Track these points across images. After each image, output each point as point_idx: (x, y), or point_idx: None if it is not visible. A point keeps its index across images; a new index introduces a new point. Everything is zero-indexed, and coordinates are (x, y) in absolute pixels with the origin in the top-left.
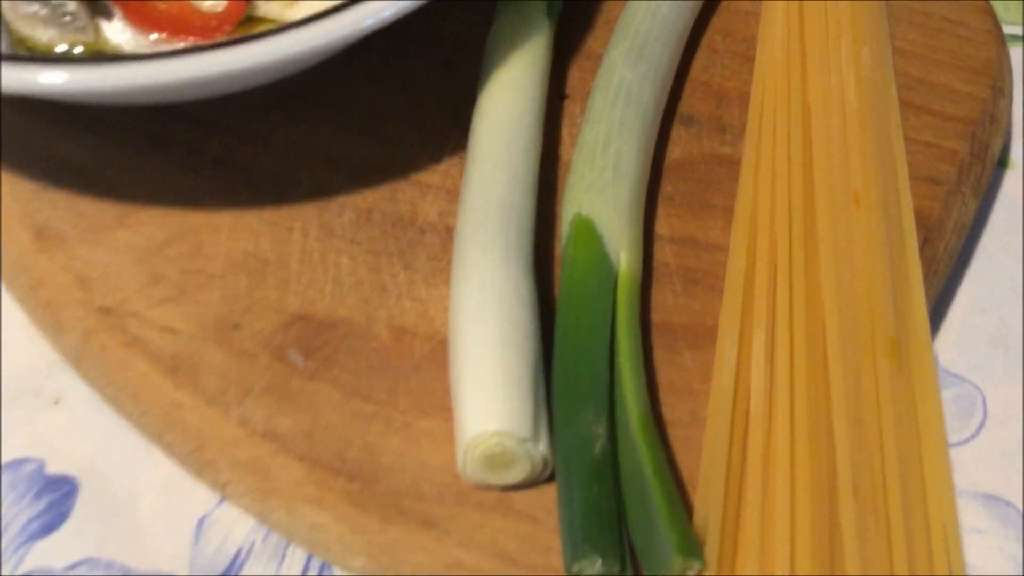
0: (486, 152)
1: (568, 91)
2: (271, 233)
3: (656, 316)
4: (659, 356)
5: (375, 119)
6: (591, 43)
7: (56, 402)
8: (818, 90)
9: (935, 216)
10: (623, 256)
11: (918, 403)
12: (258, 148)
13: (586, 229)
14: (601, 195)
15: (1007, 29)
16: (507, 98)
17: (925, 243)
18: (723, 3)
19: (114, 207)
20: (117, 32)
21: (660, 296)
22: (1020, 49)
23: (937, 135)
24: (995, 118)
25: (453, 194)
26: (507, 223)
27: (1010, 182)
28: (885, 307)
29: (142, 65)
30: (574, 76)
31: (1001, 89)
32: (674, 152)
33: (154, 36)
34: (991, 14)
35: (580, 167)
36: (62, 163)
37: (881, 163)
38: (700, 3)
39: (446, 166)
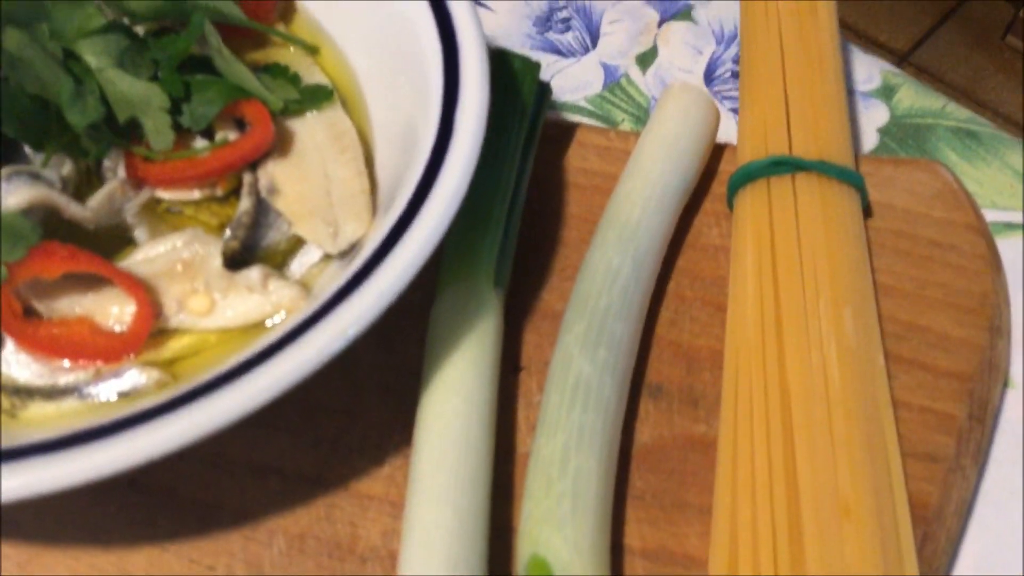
0: (433, 456)
1: (524, 362)
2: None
3: None
4: None
5: (308, 414)
6: (547, 299)
7: None
8: (798, 369)
9: (934, 504)
10: None
11: None
12: (175, 464)
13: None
14: (559, 531)
15: (1004, 216)
16: (454, 382)
17: (924, 540)
18: (688, 239)
19: (16, 551)
20: (11, 359)
21: None
22: (1019, 239)
23: (932, 396)
24: (994, 365)
25: (398, 507)
26: (458, 556)
27: (1011, 405)
28: None
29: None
30: (529, 342)
31: (999, 328)
32: (643, 434)
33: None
34: (983, 233)
35: (536, 492)
36: None
37: (872, 459)
38: (660, 262)
39: (389, 469)
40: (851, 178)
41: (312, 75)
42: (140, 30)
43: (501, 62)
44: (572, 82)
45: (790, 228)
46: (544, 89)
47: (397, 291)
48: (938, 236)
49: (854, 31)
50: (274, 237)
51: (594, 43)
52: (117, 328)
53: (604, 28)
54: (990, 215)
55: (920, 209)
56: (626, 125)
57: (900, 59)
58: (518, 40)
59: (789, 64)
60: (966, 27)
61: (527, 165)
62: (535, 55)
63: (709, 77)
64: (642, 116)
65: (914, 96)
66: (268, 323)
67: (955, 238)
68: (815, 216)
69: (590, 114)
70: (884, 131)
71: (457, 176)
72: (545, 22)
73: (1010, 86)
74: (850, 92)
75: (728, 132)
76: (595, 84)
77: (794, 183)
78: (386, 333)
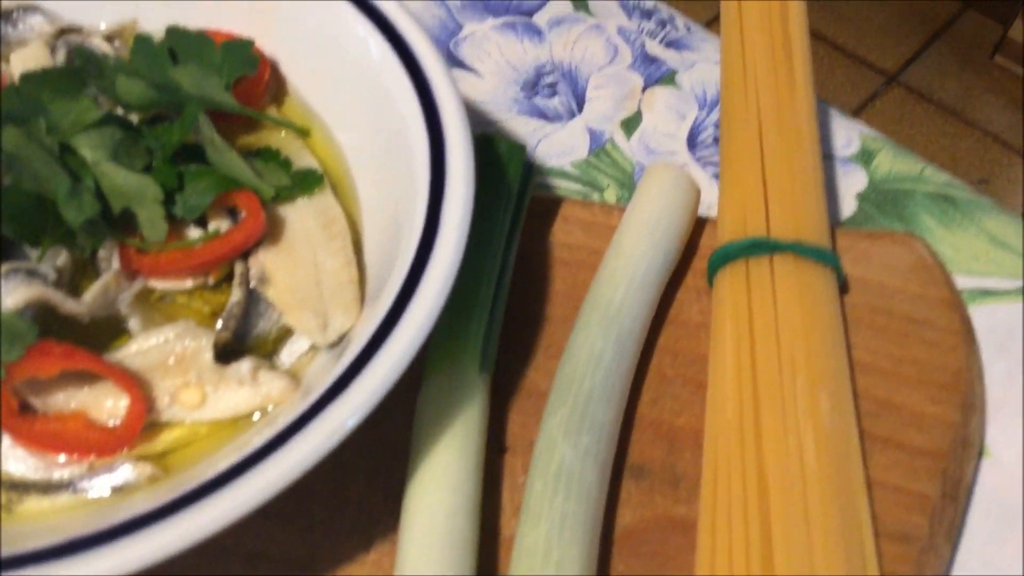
0: (419, 548)
1: (509, 442)
2: None
3: None
4: None
5: (299, 502)
6: (533, 377)
7: None
8: (774, 451)
9: None
10: None
11: None
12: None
13: None
14: None
15: (979, 283)
16: (440, 473)
17: None
18: (670, 315)
19: None
20: (8, 454)
21: None
22: (994, 306)
23: (906, 476)
24: (967, 441)
25: None
26: None
27: (987, 473)
28: None
29: None
30: (515, 422)
31: (972, 405)
32: (625, 516)
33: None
34: (957, 307)
35: None
36: None
37: (846, 542)
38: (643, 343)
39: (376, 555)
40: (827, 258)
41: (303, 159)
42: (135, 118)
43: (487, 146)
44: (558, 147)
45: (768, 309)
46: (529, 170)
47: (388, 387)
48: (913, 311)
49: (844, 51)
50: (264, 326)
51: (580, 108)
52: (111, 422)
53: (590, 93)
54: (966, 281)
55: (895, 284)
56: (611, 191)
57: (890, 78)
58: (505, 105)
59: (767, 139)
60: (956, 46)
61: (512, 246)
62: (522, 120)
63: (692, 142)
64: (626, 182)
65: (892, 160)
66: (255, 416)
67: (930, 313)
68: (792, 297)
69: (576, 179)
70: (863, 197)
71: (444, 271)
72: (532, 87)
73: (999, 105)
74: (829, 157)
75: (711, 199)
76: (581, 149)
77: (772, 264)
78: (373, 415)
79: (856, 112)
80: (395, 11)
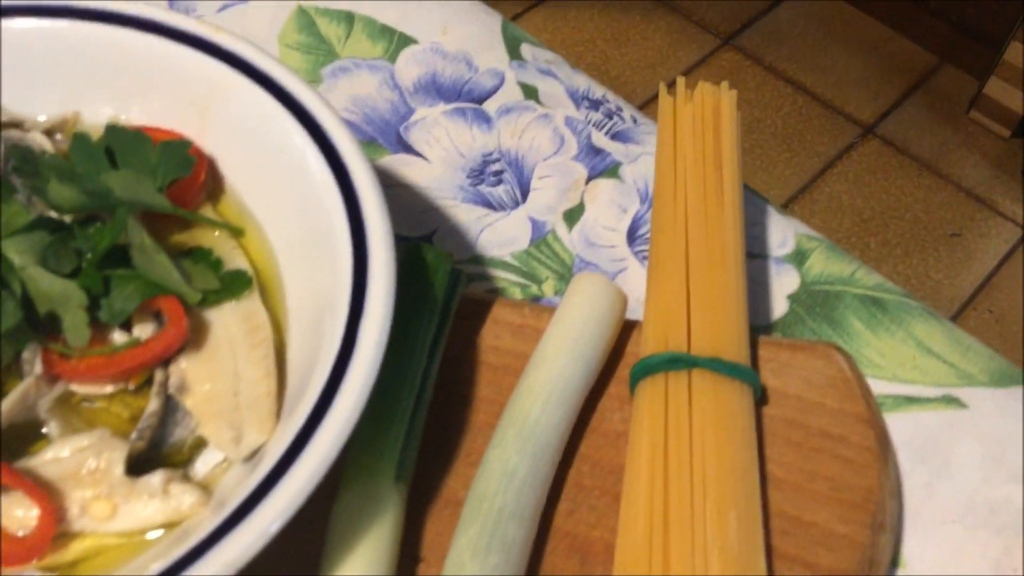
0: None
1: (423, 551)
2: None
3: None
4: None
5: None
6: (451, 485)
7: None
8: (680, 572)
9: None
10: None
11: None
12: None
13: None
14: None
15: (904, 390)
16: None
17: None
18: (592, 423)
19: None
20: None
21: None
22: (918, 414)
23: None
24: (875, 561)
25: None
26: None
27: None
28: None
29: None
30: (430, 530)
31: (881, 524)
32: None
33: None
34: (873, 424)
35: None
36: None
37: None
38: (560, 456)
39: None
40: (744, 375)
41: (234, 259)
42: (67, 218)
43: (414, 256)
44: (500, 237)
45: (683, 426)
46: (457, 278)
47: (295, 507)
48: (829, 427)
49: (821, 101)
50: (181, 434)
51: (524, 197)
52: (20, 533)
53: (535, 183)
54: (890, 388)
55: (814, 398)
56: (550, 283)
57: (866, 129)
58: (450, 192)
59: (693, 252)
60: (932, 100)
61: (436, 356)
62: (466, 208)
63: (632, 236)
64: (565, 275)
65: (825, 261)
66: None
67: (845, 429)
68: (707, 415)
69: (515, 270)
70: (794, 298)
71: (358, 389)
72: (478, 174)
73: (973, 160)
74: (764, 257)
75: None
76: (522, 240)
77: (690, 379)
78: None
79: (832, 162)
80: (331, 121)
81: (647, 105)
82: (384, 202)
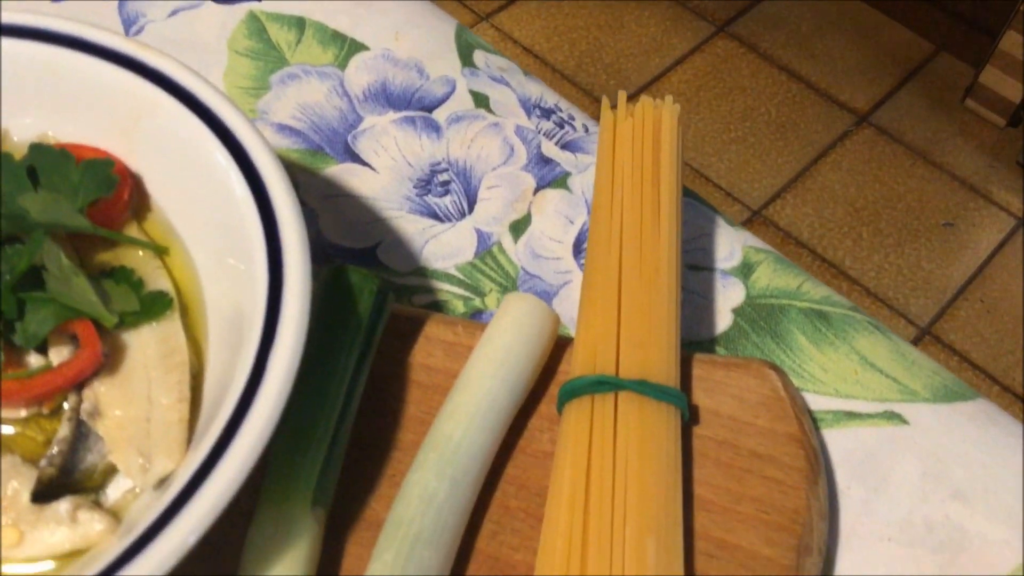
0: None
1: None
2: None
3: None
4: None
5: None
6: (374, 507)
7: None
8: None
9: None
10: None
11: None
12: None
13: None
14: None
15: (845, 405)
16: None
17: None
18: (521, 443)
19: None
20: None
21: None
22: (858, 429)
23: None
24: None
25: None
26: None
27: None
28: None
29: None
30: (351, 554)
31: (808, 546)
32: None
33: None
34: (805, 445)
35: None
36: None
37: None
38: (483, 479)
39: None
40: (671, 397)
41: (157, 280)
42: None
43: (339, 277)
44: (445, 248)
45: (607, 449)
46: (384, 298)
47: (202, 531)
48: (759, 447)
49: (816, 89)
50: (93, 460)
51: (471, 208)
52: None
53: (482, 193)
54: (831, 403)
55: (745, 418)
56: (493, 296)
57: (861, 118)
58: (397, 203)
59: (626, 273)
60: (927, 89)
61: (361, 376)
62: (412, 219)
63: (578, 248)
64: (510, 287)
65: (771, 275)
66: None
67: (775, 449)
68: (632, 438)
69: (459, 283)
70: (739, 311)
71: (265, 417)
72: (426, 184)
73: (968, 149)
74: (710, 270)
75: None
76: (467, 251)
77: (616, 401)
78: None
79: (825, 151)
80: (253, 141)
81: (639, 94)
82: (303, 224)
